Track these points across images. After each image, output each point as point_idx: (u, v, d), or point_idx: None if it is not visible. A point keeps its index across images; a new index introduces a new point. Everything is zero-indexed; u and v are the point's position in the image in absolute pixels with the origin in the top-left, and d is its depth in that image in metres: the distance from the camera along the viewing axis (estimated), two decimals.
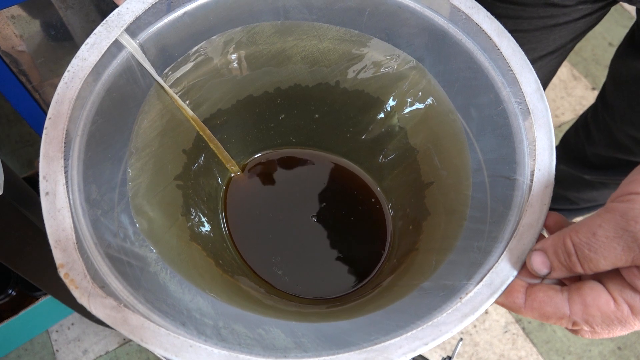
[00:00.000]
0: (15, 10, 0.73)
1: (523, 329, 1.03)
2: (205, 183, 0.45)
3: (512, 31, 0.58)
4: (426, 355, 0.95)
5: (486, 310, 1.04)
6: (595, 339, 0.30)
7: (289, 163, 0.51)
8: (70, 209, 0.29)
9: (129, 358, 0.98)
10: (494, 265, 0.30)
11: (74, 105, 0.33)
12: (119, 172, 0.36)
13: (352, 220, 0.48)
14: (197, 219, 0.43)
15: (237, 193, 0.48)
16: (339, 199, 0.49)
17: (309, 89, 0.46)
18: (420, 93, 0.43)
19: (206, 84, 0.43)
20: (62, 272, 0.27)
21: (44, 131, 0.31)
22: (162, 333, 0.26)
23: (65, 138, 0.31)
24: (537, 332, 1.03)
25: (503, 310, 1.04)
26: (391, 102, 0.45)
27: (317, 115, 0.48)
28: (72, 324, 1.01)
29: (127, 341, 0.99)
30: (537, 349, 1.01)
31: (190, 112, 0.42)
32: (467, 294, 0.29)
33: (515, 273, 0.29)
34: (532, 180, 0.33)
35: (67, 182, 0.30)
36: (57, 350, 0.98)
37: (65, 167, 0.31)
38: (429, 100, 0.42)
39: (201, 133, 0.44)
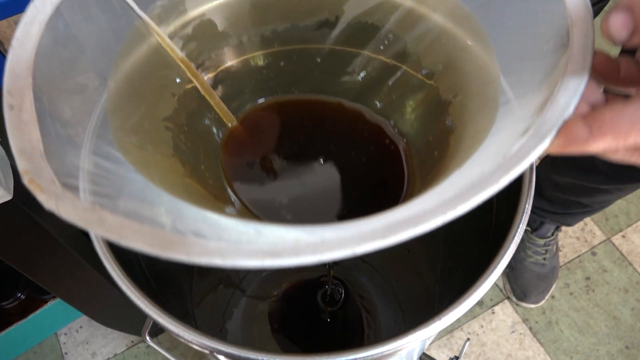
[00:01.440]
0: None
1: (530, 328, 1.03)
2: (199, 131, 0.41)
3: None
4: (433, 355, 0.95)
5: (492, 309, 1.04)
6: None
7: (292, 109, 0.46)
8: (39, 123, 0.26)
9: None
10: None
11: (45, 28, 0.29)
12: (98, 103, 0.32)
13: (366, 162, 0.44)
14: (190, 161, 0.39)
15: (236, 143, 0.44)
16: (349, 141, 0.45)
17: (308, 28, 0.42)
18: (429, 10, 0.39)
19: (198, 30, 0.39)
20: (26, 179, 0.23)
21: (10, 50, 0.27)
22: (145, 230, 0.22)
23: (35, 60, 0.27)
24: (544, 331, 1.03)
25: (510, 310, 1.04)
26: (394, 25, 0.41)
27: (318, 59, 0.44)
28: (81, 327, 1.01)
29: (135, 343, 1.00)
30: (544, 349, 1.01)
31: (180, 54, 0.38)
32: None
33: (571, 107, 0.24)
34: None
35: (35, 101, 0.26)
36: (65, 353, 0.99)
37: (34, 85, 0.27)
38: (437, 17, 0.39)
39: (192, 78, 0.39)
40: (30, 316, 0.91)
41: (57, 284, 0.67)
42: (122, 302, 0.80)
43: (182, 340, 0.33)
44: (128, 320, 0.89)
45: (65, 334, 1.01)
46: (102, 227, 0.22)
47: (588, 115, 0.23)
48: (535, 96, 0.25)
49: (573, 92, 0.24)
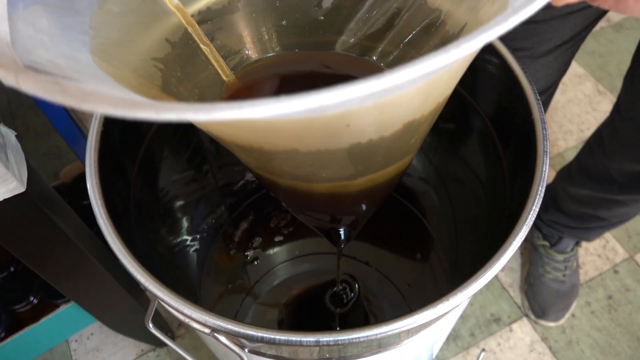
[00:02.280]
0: None
1: (549, 347, 0.99)
2: (193, 81, 0.39)
3: (528, 22, 0.58)
4: None
5: (510, 327, 1.01)
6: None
7: (293, 64, 0.42)
8: (9, 23, 0.24)
9: None
10: None
11: None
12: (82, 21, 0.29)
13: None
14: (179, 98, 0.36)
15: (233, 98, 0.39)
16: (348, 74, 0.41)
17: None
18: None
19: None
20: None
21: None
22: (110, 96, 0.20)
23: None
24: (564, 351, 0.99)
25: (529, 328, 1.01)
26: None
27: (321, 17, 0.40)
28: (92, 334, 1.01)
29: (145, 352, 0.99)
30: None
31: (175, 0, 0.35)
32: None
33: None
34: None
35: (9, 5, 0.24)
36: None
37: None
38: None
39: (188, 28, 0.36)
40: (42, 320, 0.91)
41: (66, 282, 0.67)
42: (133, 306, 0.80)
43: (182, 316, 0.32)
44: (138, 326, 0.88)
45: (76, 341, 1.00)
46: (64, 94, 0.19)
47: None
48: None
49: None
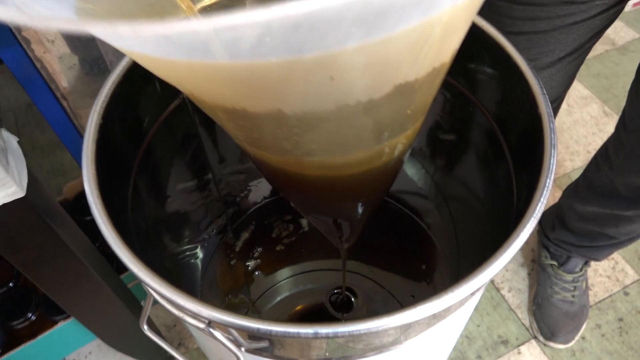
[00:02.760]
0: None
1: None
2: None
3: (531, 33, 0.57)
4: None
5: (519, 349, 0.98)
6: None
7: None
8: None
9: None
10: None
11: None
12: None
13: None
14: None
15: None
16: None
17: None
18: None
19: None
20: None
21: None
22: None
23: None
24: None
25: (537, 351, 0.98)
26: None
27: None
28: (90, 353, 0.99)
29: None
30: None
31: None
32: None
33: None
34: None
35: None
36: None
37: None
38: None
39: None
40: (39, 337, 0.89)
41: (64, 294, 0.66)
42: (133, 322, 0.78)
43: (176, 310, 0.31)
44: (138, 342, 0.86)
45: None
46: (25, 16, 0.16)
47: None
48: None
49: None
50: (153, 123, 0.47)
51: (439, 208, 0.59)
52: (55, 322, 0.91)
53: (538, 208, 0.30)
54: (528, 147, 0.35)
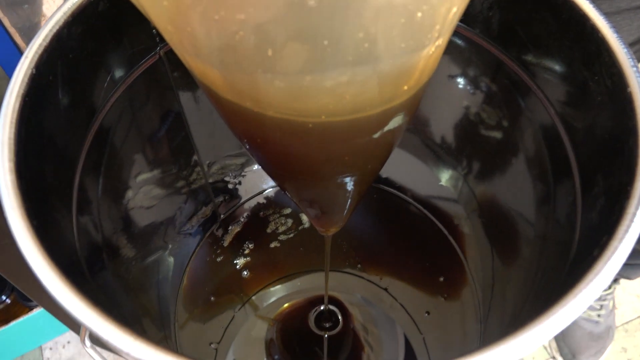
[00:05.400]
0: None
1: None
2: None
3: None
4: None
5: None
6: None
7: None
8: None
9: None
10: None
11: None
12: None
13: None
14: None
15: None
16: None
17: None
18: None
19: None
20: None
21: None
22: None
23: None
24: None
25: None
26: None
27: None
28: (68, 342, 0.92)
29: None
30: None
31: None
32: None
33: None
34: None
35: None
36: None
37: None
38: None
39: None
40: (13, 323, 0.83)
41: (25, 280, 0.58)
42: None
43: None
44: None
45: (51, 349, 0.91)
46: None
47: None
48: None
49: None
50: (116, 85, 0.37)
51: (469, 216, 0.50)
52: (31, 309, 0.84)
53: (620, 249, 0.21)
54: (607, 157, 0.26)
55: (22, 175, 0.25)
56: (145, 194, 0.46)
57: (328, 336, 0.61)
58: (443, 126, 0.49)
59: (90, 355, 0.30)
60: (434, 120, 0.49)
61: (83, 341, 0.30)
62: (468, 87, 0.45)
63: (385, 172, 0.56)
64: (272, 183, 0.58)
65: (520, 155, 0.42)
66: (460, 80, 0.45)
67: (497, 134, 0.45)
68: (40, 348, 0.91)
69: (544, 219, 0.39)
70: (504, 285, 0.47)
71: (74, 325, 0.74)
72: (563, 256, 0.31)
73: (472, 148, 0.48)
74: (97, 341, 0.31)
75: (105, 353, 0.33)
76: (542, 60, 0.35)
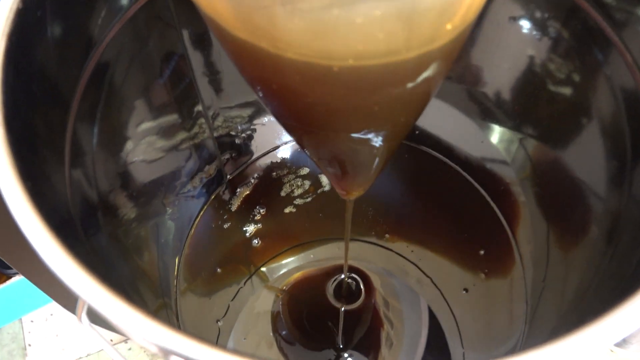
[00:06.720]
0: None
1: None
2: None
3: None
4: None
5: None
6: None
7: None
8: None
9: None
10: None
11: None
12: None
13: None
14: None
15: None
16: None
17: None
18: None
19: None
20: None
21: None
22: None
23: None
24: None
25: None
26: None
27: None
28: (51, 315, 0.85)
29: (114, 342, 0.83)
30: None
31: None
32: None
33: None
34: None
35: None
36: (29, 345, 0.82)
37: None
38: None
39: None
40: None
41: (4, 244, 0.51)
42: None
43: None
44: None
45: (32, 321, 0.84)
46: None
47: None
48: None
49: None
50: (114, 18, 0.31)
51: (521, 183, 0.43)
52: (9, 277, 0.77)
53: None
54: None
55: (10, 124, 0.22)
56: (147, 145, 0.40)
57: (344, 310, 0.55)
58: (499, 77, 0.42)
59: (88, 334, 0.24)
60: (488, 70, 0.43)
61: (80, 318, 0.24)
62: (534, 32, 0.38)
63: (419, 127, 0.49)
64: (287, 138, 0.51)
65: (594, 118, 0.36)
66: (524, 23, 0.38)
67: (567, 90, 0.38)
68: (21, 321, 0.84)
69: (617, 194, 0.33)
70: (559, 266, 0.40)
71: (55, 293, 0.68)
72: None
73: (534, 105, 0.41)
74: (96, 318, 0.25)
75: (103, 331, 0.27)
76: (628, 5, 0.29)
